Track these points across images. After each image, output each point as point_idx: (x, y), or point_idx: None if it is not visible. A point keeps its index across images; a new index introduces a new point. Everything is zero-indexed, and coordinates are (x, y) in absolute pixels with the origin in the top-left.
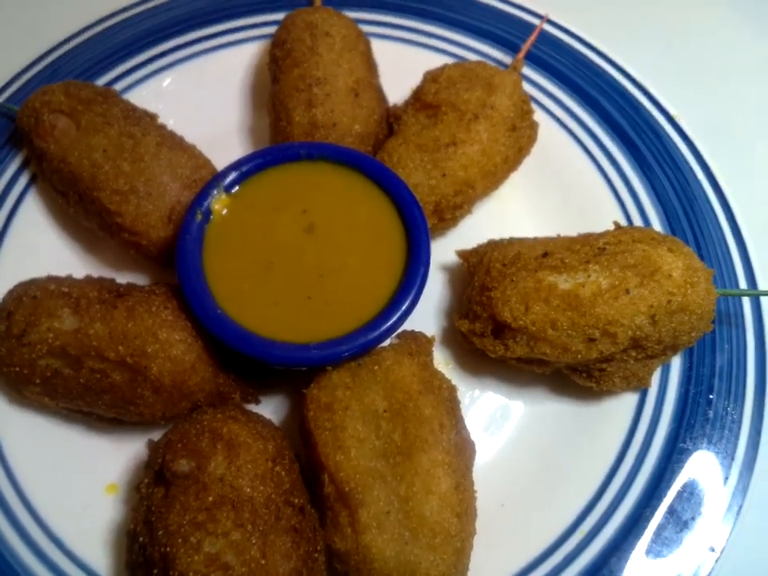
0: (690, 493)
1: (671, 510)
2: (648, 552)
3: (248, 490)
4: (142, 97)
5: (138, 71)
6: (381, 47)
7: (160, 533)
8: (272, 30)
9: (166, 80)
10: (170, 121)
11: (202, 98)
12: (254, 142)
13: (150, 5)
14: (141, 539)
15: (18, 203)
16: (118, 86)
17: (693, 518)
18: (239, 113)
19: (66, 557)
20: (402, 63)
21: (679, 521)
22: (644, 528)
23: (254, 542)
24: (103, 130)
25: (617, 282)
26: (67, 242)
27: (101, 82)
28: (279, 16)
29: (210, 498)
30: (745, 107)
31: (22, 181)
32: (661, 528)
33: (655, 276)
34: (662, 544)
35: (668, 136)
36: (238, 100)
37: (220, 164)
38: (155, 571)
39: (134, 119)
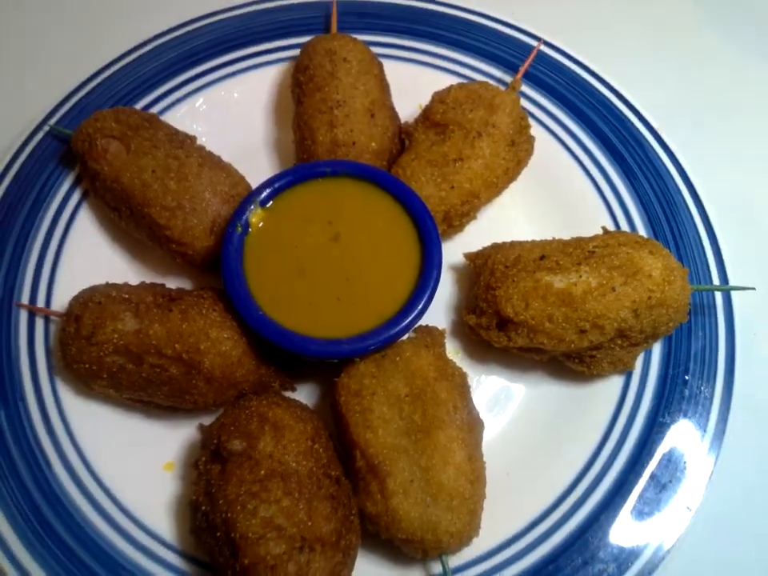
0: (668, 460)
1: (652, 475)
2: (632, 510)
3: (293, 464)
4: (177, 118)
5: (173, 94)
6: (391, 68)
7: (220, 502)
8: (292, 53)
9: (199, 101)
10: (203, 138)
11: (231, 117)
12: (280, 157)
13: (181, 32)
14: (203, 508)
15: (73, 218)
16: (156, 108)
17: (671, 481)
18: (265, 130)
19: (135, 524)
20: (411, 82)
21: (659, 484)
22: (629, 490)
23: (300, 507)
24: (151, 153)
25: (604, 282)
26: (119, 252)
27: (141, 104)
28: (298, 40)
29: (262, 472)
30: (723, 113)
31: (75, 197)
32: (644, 490)
33: (637, 276)
34: (644, 504)
35: (651, 147)
36: (263, 118)
37: (250, 177)
38: (218, 534)
39: (177, 142)
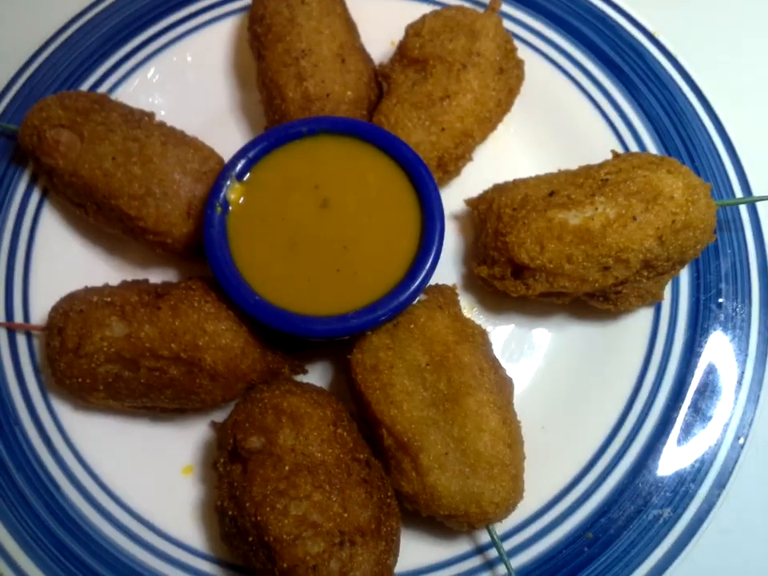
0: (711, 391)
1: (696, 409)
2: (681, 449)
3: (318, 454)
4: (129, 93)
5: (121, 67)
6: (355, 3)
7: (247, 504)
8: (245, 2)
9: (150, 71)
10: (162, 112)
11: (189, 83)
12: (248, 120)
13: None
14: (230, 512)
15: (36, 221)
16: (105, 87)
17: (717, 413)
18: (228, 93)
19: (160, 537)
20: (380, 17)
21: (705, 417)
22: (675, 428)
23: (333, 499)
24: (107, 138)
25: (623, 211)
26: (93, 251)
27: (87, 84)
28: None
29: (287, 467)
30: (718, 15)
31: (35, 197)
32: (689, 426)
33: (658, 200)
34: (692, 440)
35: (650, 54)
36: (224, 80)
37: (220, 148)
38: (250, 539)
39: (134, 122)
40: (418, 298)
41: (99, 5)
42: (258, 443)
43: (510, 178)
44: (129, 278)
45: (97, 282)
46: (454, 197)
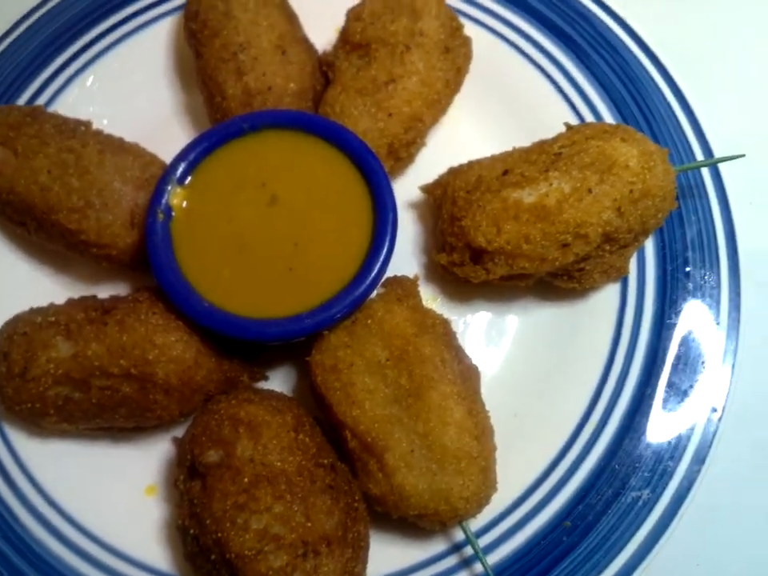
0: (684, 363)
1: (670, 383)
2: (656, 427)
3: (279, 463)
4: (69, 104)
5: (58, 77)
6: None
7: (208, 521)
8: (179, 1)
9: (89, 80)
10: (104, 121)
11: (129, 88)
12: (193, 123)
13: (47, 7)
14: (192, 531)
15: None
16: (42, 99)
17: (691, 386)
18: (170, 96)
19: (125, 561)
20: (321, 5)
21: (679, 391)
22: (649, 405)
23: (295, 509)
24: (42, 151)
25: (578, 185)
26: (38, 269)
27: (24, 97)
28: None
29: (246, 480)
30: None
31: None
32: (664, 402)
33: (613, 169)
34: (667, 417)
35: (599, 20)
36: (165, 83)
37: (165, 154)
38: (213, 557)
39: (68, 132)
40: (375, 292)
41: (30, 17)
42: (216, 456)
43: (466, 161)
44: (78, 295)
45: (45, 301)
46: (410, 185)
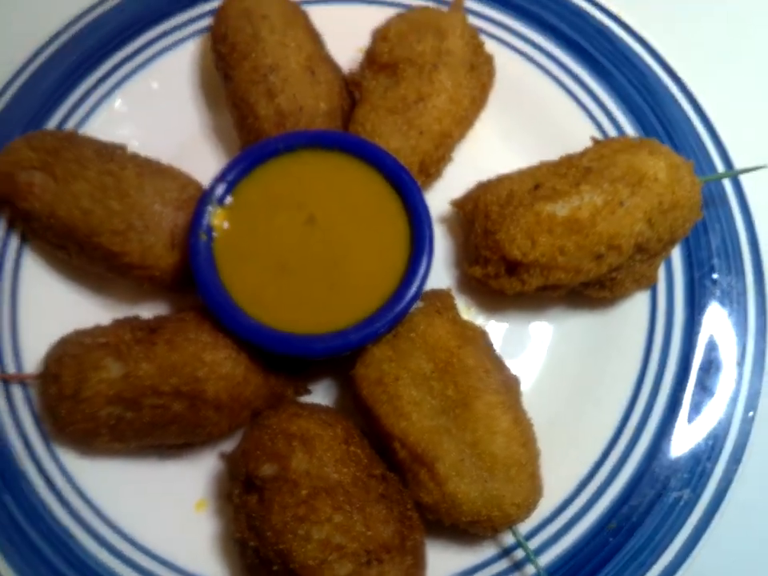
0: (716, 368)
1: (703, 387)
2: (693, 429)
3: (334, 474)
4: (97, 127)
5: (87, 101)
6: (317, 13)
7: (268, 533)
8: (205, 22)
9: (117, 102)
10: (134, 142)
11: (157, 111)
12: (222, 143)
13: (75, 29)
14: (251, 543)
15: (18, 268)
16: (71, 123)
17: (724, 389)
18: (199, 118)
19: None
20: (344, 25)
21: (711, 394)
22: (684, 409)
23: (354, 518)
24: (81, 175)
25: (610, 197)
26: (79, 291)
27: (54, 122)
28: (207, 6)
29: (304, 492)
30: None
31: (13, 245)
32: (698, 404)
33: (643, 182)
34: (703, 419)
35: (617, 37)
36: (193, 105)
37: (196, 174)
38: (275, 568)
39: (106, 156)
40: (414, 306)
41: (55, 41)
42: (272, 470)
43: (492, 175)
44: (119, 316)
45: (87, 323)
46: (439, 199)
